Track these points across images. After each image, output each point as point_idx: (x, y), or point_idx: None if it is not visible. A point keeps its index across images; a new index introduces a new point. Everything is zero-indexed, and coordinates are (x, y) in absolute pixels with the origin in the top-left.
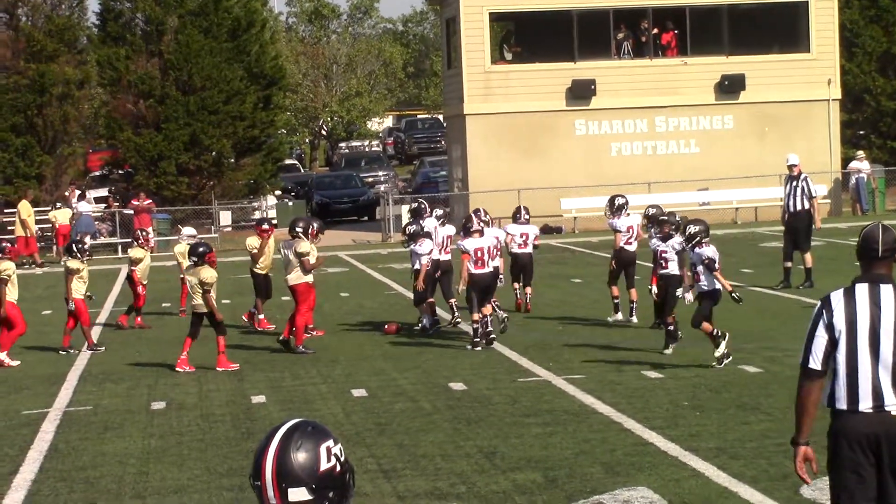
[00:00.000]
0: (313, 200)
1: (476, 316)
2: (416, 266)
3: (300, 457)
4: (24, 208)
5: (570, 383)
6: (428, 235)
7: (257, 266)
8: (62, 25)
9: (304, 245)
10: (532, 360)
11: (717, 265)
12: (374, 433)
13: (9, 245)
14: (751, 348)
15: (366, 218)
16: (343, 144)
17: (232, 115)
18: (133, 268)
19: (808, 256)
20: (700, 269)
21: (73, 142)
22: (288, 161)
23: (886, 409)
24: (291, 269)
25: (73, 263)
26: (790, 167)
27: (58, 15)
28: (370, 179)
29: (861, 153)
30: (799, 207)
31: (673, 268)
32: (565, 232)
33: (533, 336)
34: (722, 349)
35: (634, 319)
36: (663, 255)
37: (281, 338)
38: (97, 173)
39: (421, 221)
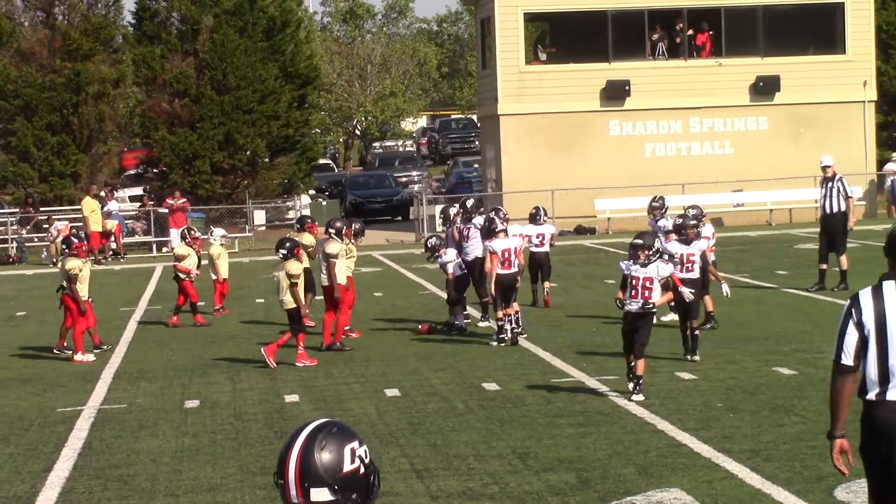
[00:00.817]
0: (347, 200)
1: (500, 314)
2: (452, 269)
3: (324, 457)
4: (87, 205)
5: (604, 384)
6: (449, 244)
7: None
8: (98, 24)
9: (335, 246)
10: (566, 361)
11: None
12: (406, 433)
13: (76, 241)
14: (786, 350)
15: (399, 218)
16: (377, 144)
17: (266, 115)
18: (176, 263)
19: (843, 259)
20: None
21: (108, 140)
22: (322, 161)
23: None
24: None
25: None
26: (824, 168)
27: (94, 14)
28: (404, 179)
29: (895, 155)
30: (835, 209)
31: (696, 270)
32: (599, 232)
33: (567, 337)
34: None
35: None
36: (690, 258)
37: (323, 346)
38: (132, 172)
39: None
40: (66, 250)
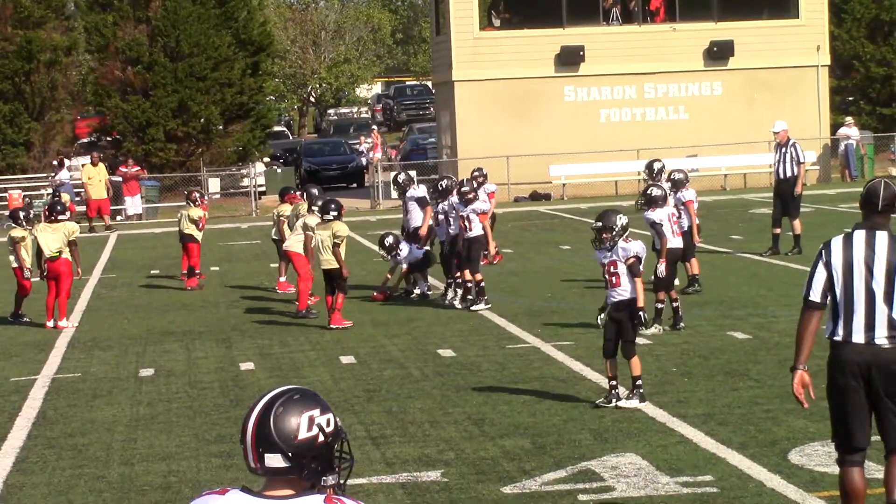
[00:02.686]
0: (302, 167)
1: (479, 275)
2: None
3: (279, 423)
4: (85, 171)
5: (559, 350)
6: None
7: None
8: None
9: (312, 219)
10: (521, 327)
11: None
12: (362, 400)
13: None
14: (739, 315)
15: (354, 185)
16: (331, 111)
17: (220, 82)
18: (188, 227)
19: (796, 223)
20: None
21: (60, 108)
22: (276, 128)
23: (876, 342)
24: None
25: (17, 232)
26: (775, 134)
27: None
28: (359, 146)
29: (850, 119)
30: (788, 174)
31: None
32: (554, 199)
33: (522, 303)
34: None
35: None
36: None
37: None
38: (85, 140)
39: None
40: (11, 223)
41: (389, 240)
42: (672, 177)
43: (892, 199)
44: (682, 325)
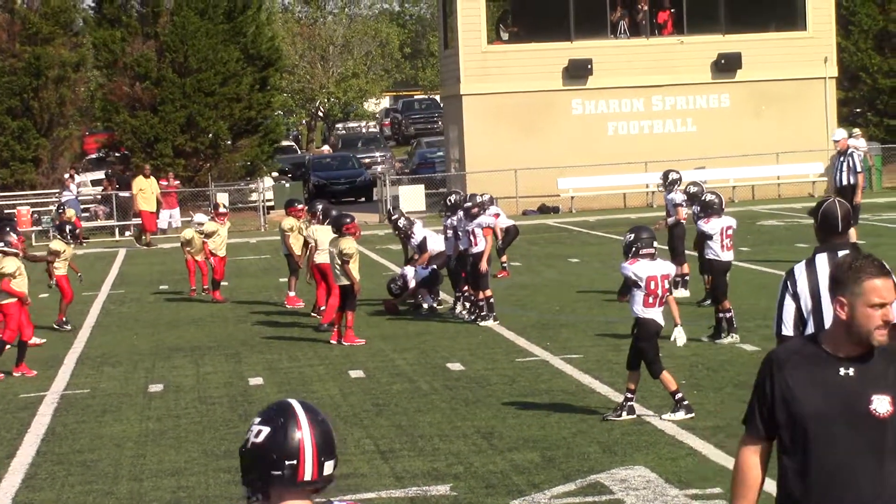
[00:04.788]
0: (310, 182)
1: (489, 291)
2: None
3: (330, 428)
4: (136, 184)
5: (568, 363)
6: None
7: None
8: (58, 8)
9: (349, 244)
10: (530, 340)
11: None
12: (371, 414)
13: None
14: (749, 327)
15: (363, 199)
16: (340, 125)
17: (228, 97)
18: (205, 240)
19: (852, 232)
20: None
21: (69, 124)
22: (285, 142)
23: None
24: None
25: (56, 245)
26: (835, 142)
27: None
28: (367, 160)
29: (857, 131)
30: (845, 182)
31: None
32: (563, 212)
33: (531, 316)
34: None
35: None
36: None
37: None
38: (93, 156)
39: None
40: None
41: (398, 285)
42: (688, 190)
43: (849, 218)
44: (725, 337)
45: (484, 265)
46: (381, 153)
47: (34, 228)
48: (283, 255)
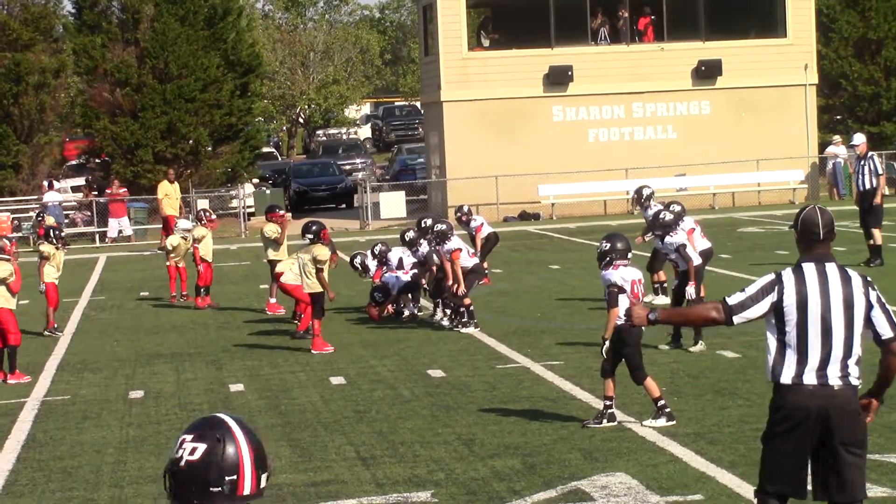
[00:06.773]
0: (291, 188)
1: (468, 300)
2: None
3: (261, 442)
4: (161, 188)
5: (549, 370)
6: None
7: (277, 252)
8: (38, 14)
9: (322, 251)
10: (511, 347)
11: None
12: (352, 420)
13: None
14: (728, 333)
15: (343, 206)
16: (320, 132)
17: (209, 103)
18: (196, 245)
19: (877, 232)
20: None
21: (49, 131)
22: (265, 149)
23: (830, 384)
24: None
25: (46, 248)
26: (855, 147)
27: (33, 3)
28: (348, 167)
29: (838, 138)
30: (867, 185)
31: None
32: (543, 218)
33: (511, 322)
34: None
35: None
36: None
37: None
38: (74, 162)
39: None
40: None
41: (381, 294)
42: (662, 218)
43: (831, 225)
44: (696, 346)
45: (462, 289)
46: (362, 160)
47: (14, 235)
48: (263, 262)
